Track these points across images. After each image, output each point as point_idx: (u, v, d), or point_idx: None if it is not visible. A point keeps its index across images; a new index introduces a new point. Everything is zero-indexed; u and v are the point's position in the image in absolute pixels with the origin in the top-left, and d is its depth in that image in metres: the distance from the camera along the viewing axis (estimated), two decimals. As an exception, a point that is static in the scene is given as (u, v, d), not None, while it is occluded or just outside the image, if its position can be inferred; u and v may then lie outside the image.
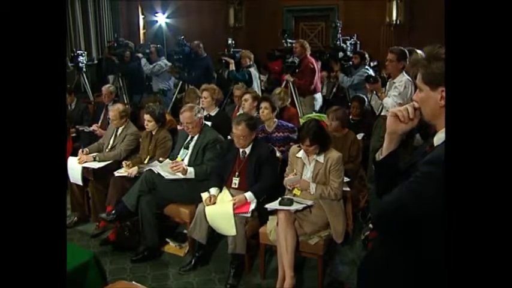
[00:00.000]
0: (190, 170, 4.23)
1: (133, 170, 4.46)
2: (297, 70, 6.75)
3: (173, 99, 7.50)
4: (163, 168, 4.25)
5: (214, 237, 4.13)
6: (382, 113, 4.85)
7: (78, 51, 8.38)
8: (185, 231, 4.36)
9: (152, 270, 4.08)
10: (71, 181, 4.88)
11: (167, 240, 4.42)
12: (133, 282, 2.60)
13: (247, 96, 5.24)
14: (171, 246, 4.38)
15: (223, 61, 7.51)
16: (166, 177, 4.19)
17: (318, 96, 6.99)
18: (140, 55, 8.14)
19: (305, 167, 3.84)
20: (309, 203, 3.70)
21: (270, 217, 3.83)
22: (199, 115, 4.38)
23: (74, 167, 4.77)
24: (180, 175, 4.20)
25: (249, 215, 3.85)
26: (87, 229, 4.86)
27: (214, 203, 3.95)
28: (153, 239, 4.22)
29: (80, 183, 4.75)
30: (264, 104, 4.72)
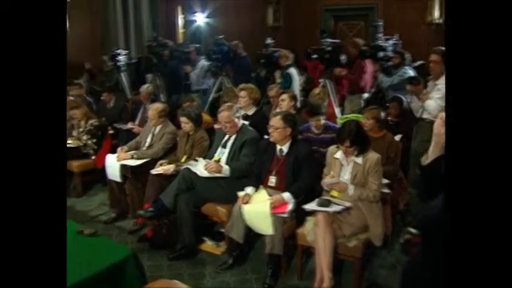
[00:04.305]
0: (226, 167, 4.24)
1: (170, 168, 4.48)
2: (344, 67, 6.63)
3: (211, 99, 7.53)
4: (200, 167, 4.26)
5: (251, 236, 4.12)
6: (424, 116, 4.73)
7: (117, 50, 8.50)
8: (222, 230, 4.35)
9: (189, 268, 4.09)
10: (109, 178, 4.96)
11: (204, 238, 4.43)
12: (175, 280, 2.59)
13: (284, 96, 5.22)
14: (208, 245, 4.39)
15: (263, 61, 7.49)
16: (203, 175, 4.20)
17: (365, 96, 6.86)
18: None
19: (343, 168, 3.78)
20: (347, 204, 3.64)
21: (307, 218, 3.78)
22: (237, 114, 4.38)
23: (113, 165, 4.86)
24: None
25: (286, 215, 3.81)
26: (125, 225, 4.92)
27: (249, 202, 3.94)
28: (190, 237, 4.23)
29: (119, 180, 4.83)
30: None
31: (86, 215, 5.26)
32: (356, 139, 3.60)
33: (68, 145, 5.82)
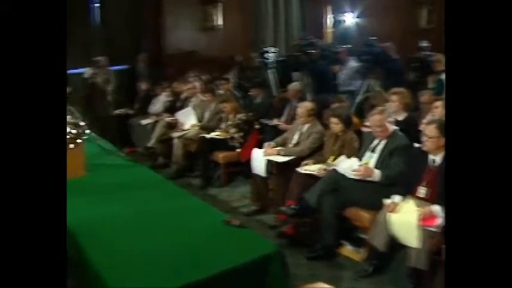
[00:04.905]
0: (377, 172, 4.11)
1: (319, 169, 4.46)
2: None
3: (358, 101, 7.39)
4: (348, 169, 4.18)
5: (394, 246, 3.94)
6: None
7: (266, 48, 8.70)
8: (363, 235, 4.24)
9: (326, 270, 4.04)
10: (254, 172, 5.08)
11: (344, 242, 4.35)
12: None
13: (439, 103, 4.95)
14: (348, 250, 4.30)
15: (415, 65, 7.21)
16: (350, 178, 4.13)
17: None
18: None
19: None
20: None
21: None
22: (389, 119, 4.24)
23: (259, 159, 4.97)
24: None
25: (435, 229, 3.60)
26: (265, 219, 5.01)
27: (396, 211, 3.78)
28: (331, 239, 4.18)
29: (263, 174, 4.93)
30: None
31: (227, 205, 5.45)
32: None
33: (216, 136, 6.09)
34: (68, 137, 4.29)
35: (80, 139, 4.41)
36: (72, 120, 4.46)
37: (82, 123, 4.46)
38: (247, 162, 5.48)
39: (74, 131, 4.35)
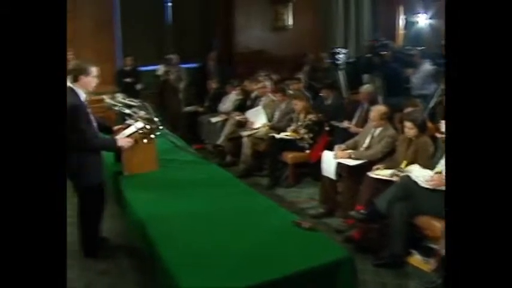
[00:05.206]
0: (451, 181, 3.95)
1: (391, 174, 4.36)
2: None
3: (432, 105, 7.17)
4: (421, 177, 4.06)
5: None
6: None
7: (337, 49, 8.60)
8: (433, 245, 4.10)
9: (393, 279, 3.95)
10: (324, 174, 5.03)
11: (412, 251, 4.24)
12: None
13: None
14: (417, 259, 4.17)
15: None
16: (422, 186, 4.01)
17: None
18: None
19: None
20: None
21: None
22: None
23: (329, 161, 4.93)
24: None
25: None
26: (331, 223, 4.96)
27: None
28: (399, 246, 4.07)
29: (333, 177, 4.88)
30: None
31: (294, 206, 5.43)
32: None
33: (285, 137, 6.10)
34: (141, 132, 4.41)
35: (154, 135, 4.51)
36: (146, 116, 4.57)
37: (156, 119, 4.55)
38: (316, 164, 5.45)
39: (148, 127, 4.45)
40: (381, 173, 4.45)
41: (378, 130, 4.96)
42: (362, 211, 4.24)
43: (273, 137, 6.24)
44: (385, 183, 4.34)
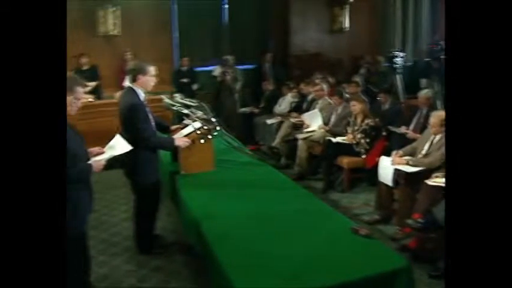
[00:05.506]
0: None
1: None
2: None
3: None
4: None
5: None
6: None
7: (395, 52, 8.46)
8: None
9: (449, 291, 3.83)
10: (380, 180, 4.95)
11: (470, 263, 4.11)
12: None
13: None
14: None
15: None
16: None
17: None
18: None
19: None
20: None
21: None
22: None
23: (386, 167, 4.83)
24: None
25: None
26: (386, 230, 4.87)
27: None
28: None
29: (390, 184, 4.78)
30: None
31: (348, 212, 5.36)
32: None
33: (342, 141, 6.04)
34: (199, 132, 4.47)
35: (211, 135, 4.56)
36: (204, 116, 4.62)
37: (213, 120, 4.60)
38: (372, 169, 5.37)
39: (205, 127, 4.50)
40: (439, 180, 4.33)
41: (438, 137, 4.82)
42: (419, 220, 4.13)
43: (330, 140, 6.19)
44: (443, 191, 4.21)
